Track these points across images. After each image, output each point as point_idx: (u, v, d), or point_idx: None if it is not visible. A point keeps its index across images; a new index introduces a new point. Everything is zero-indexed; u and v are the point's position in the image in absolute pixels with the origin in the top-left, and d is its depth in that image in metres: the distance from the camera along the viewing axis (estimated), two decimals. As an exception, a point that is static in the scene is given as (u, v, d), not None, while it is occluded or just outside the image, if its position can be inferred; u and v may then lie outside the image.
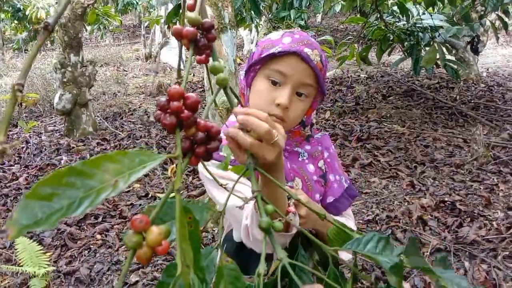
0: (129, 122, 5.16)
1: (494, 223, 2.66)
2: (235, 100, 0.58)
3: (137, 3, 11.71)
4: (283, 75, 0.92)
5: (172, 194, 0.40)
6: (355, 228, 1.04)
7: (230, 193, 0.55)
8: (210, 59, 0.56)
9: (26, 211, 0.32)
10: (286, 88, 0.92)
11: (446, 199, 2.96)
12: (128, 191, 3.33)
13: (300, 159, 1.04)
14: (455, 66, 4.52)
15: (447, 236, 2.54)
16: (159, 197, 3.19)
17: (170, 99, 0.42)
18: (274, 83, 0.93)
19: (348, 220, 1.06)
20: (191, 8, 0.55)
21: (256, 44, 1.01)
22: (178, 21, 3.43)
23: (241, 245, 1.03)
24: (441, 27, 4.50)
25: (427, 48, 4.57)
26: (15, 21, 11.47)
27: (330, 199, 1.05)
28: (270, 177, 0.57)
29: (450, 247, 2.43)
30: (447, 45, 4.73)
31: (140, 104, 6.03)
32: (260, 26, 7.20)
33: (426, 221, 2.71)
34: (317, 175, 1.04)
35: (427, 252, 2.41)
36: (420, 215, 2.76)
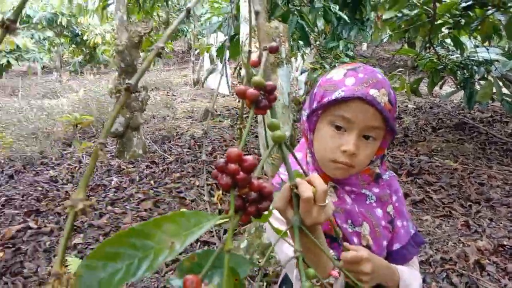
0: (177, 146, 5.27)
1: (559, 272, 2.48)
2: (287, 157, 0.59)
3: (187, 30, 12.14)
4: (348, 121, 0.88)
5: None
6: (420, 279, 1.00)
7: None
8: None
9: (88, 271, 0.33)
10: (352, 133, 0.88)
11: (505, 242, 2.80)
12: (175, 216, 3.37)
13: (367, 202, 0.99)
14: (513, 101, 4.34)
15: (508, 284, 2.39)
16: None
17: (228, 161, 0.44)
18: (338, 128, 0.89)
19: (413, 269, 1.01)
20: (254, 64, 0.58)
21: (319, 84, 0.95)
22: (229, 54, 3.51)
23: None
24: (497, 60, 4.37)
25: (481, 82, 4.44)
26: (73, 45, 12.16)
27: (396, 246, 1.00)
28: (314, 239, 0.56)
29: (511, 296, 2.29)
30: (503, 79, 4.57)
31: (188, 128, 6.17)
32: (306, 54, 7.27)
33: (484, 266, 2.56)
34: (385, 221, 0.99)
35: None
36: (477, 259, 2.62)
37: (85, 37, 10.50)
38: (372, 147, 0.92)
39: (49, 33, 11.12)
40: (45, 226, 3.27)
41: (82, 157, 4.92)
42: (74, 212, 0.32)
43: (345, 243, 0.83)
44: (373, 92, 0.86)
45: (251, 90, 0.51)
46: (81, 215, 0.33)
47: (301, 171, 0.65)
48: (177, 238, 0.37)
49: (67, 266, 2.55)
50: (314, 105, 0.93)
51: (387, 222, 1.00)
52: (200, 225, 0.39)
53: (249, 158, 0.45)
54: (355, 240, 0.96)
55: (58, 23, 10.72)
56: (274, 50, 0.58)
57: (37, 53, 11.20)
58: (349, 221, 0.96)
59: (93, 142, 5.53)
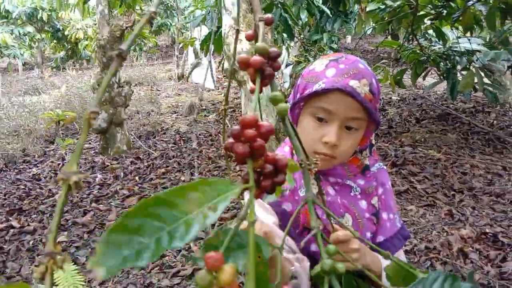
0: (162, 141, 5.23)
1: (540, 258, 2.53)
2: (292, 130, 0.57)
3: (170, 24, 12.02)
4: (329, 112, 0.88)
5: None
6: None
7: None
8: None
9: (111, 248, 0.30)
10: (333, 125, 0.88)
11: (487, 230, 2.85)
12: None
13: (352, 193, 0.98)
14: (495, 90, 4.40)
15: (490, 271, 2.43)
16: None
17: (244, 127, 0.41)
18: (319, 119, 0.89)
19: None
20: (251, 38, 0.54)
21: (302, 75, 0.95)
22: (213, 46, 3.49)
23: None
24: (479, 51, 4.41)
25: (463, 72, 4.48)
26: (54, 41, 11.96)
27: (380, 239, 0.99)
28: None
29: (494, 282, 2.32)
30: (485, 69, 4.62)
31: (173, 123, 6.12)
32: (291, 47, 7.26)
33: (467, 254, 2.60)
34: (369, 213, 0.99)
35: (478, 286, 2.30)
36: (460, 247, 2.66)
37: (66, 32, 10.32)
38: (354, 137, 0.92)
39: (30, 29, 10.91)
40: (28, 225, 3.22)
41: (65, 154, 4.85)
42: (67, 185, 0.30)
43: (335, 225, 0.82)
44: (353, 83, 0.86)
45: (256, 57, 0.48)
46: (74, 188, 0.30)
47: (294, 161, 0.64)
48: (205, 207, 0.35)
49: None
50: (297, 97, 0.93)
51: (371, 214, 0.99)
52: (226, 193, 0.37)
53: (266, 123, 0.42)
54: None
55: (38, 18, 10.52)
56: (269, 21, 0.56)
57: (18, 49, 10.99)
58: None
59: (76, 139, 5.46)
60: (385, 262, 0.93)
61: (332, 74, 0.88)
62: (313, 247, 0.93)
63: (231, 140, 0.43)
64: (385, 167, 1.08)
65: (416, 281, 0.52)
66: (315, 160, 0.59)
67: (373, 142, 1.05)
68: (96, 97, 0.35)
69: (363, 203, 0.99)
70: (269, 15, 0.54)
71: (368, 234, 0.98)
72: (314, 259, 0.90)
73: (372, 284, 0.89)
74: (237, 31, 0.86)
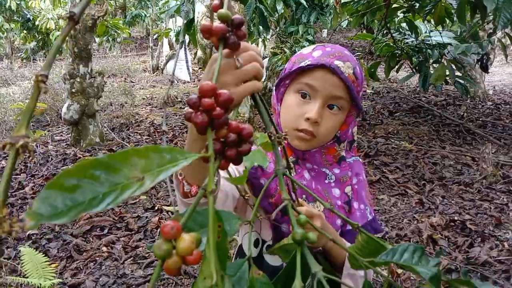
0: (136, 133, 5.16)
1: (505, 243, 2.62)
2: (262, 104, 0.56)
3: (145, 15, 11.84)
4: (312, 88, 0.90)
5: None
6: None
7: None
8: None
9: (47, 202, 0.30)
10: (316, 102, 0.90)
11: (456, 218, 2.93)
12: (134, 202, 3.31)
13: (326, 181, 0.99)
14: (465, 83, 4.51)
15: (458, 256, 2.50)
16: (165, 210, 3.17)
17: (202, 95, 0.40)
18: (303, 96, 0.91)
19: None
20: (217, 8, 0.52)
21: (289, 59, 0.98)
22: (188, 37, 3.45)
23: (254, 260, 1.01)
24: (450, 44, 4.51)
25: (435, 65, 4.57)
26: (24, 31, 11.61)
27: (349, 226, 1.00)
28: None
29: (461, 267, 2.39)
30: (456, 62, 4.73)
31: (147, 115, 6.04)
32: (268, 40, 7.25)
33: (437, 240, 2.67)
34: (341, 201, 0.99)
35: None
36: (430, 234, 2.72)
37: (37, 22, 10.02)
38: (336, 118, 0.93)
39: (-2, 18, 10.55)
40: (-4, 218, 3.13)
41: (36, 146, 4.72)
42: (16, 149, 0.29)
43: (300, 200, 0.83)
44: (337, 62, 0.89)
45: (218, 25, 0.47)
46: (22, 152, 0.29)
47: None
48: (149, 174, 0.33)
49: (20, 256, 2.46)
50: (282, 75, 0.95)
51: (344, 202, 1.00)
52: (176, 162, 0.35)
53: (225, 92, 0.41)
54: None
55: (7, 7, 10.17)
56: None
57: (-15, 39, 10.62)
58: (304, 197, 0.96)
59: (48, 131, 5.33)
60: (349, 246, 0.94)
61: (319, 55, 0.91)
62: (284, 228, 0.94)
63: (189, 110, 0.42)
64: (360, 159, 1.09)
65: (387, 250, 0.52)
66: (285, 135, 0.58)
67: (355, 137, 1.06)
68: (46, 59, 0.33)
69: (337, 191, 1.00)
70: None
71: (339, 222, 0.99)
72: (283, 236, 0.91)
73: (333, 266, 0.90)
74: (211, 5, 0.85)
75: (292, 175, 0.96)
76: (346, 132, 0.99)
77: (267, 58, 6.64)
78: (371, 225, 1.02)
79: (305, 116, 0.90)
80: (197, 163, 0.75)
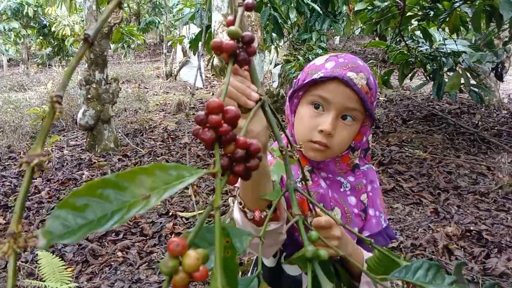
0: (150, 139, 5.21)
1: (523, 255, 2.58)
2: (273, 117, 0.56)
3: (159, 22, 11.96)
4: (326, 100, 0.90)
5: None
6: None
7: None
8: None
9: (58, 221, 0.31)
10: (329, 114, 0.90)
11: (471, 228, 2.90)
12: (149, 208, 3.33)
13: (342, 189, 1.00)
14: (480, 92, 4.47)
15: (474, 267, 2.47)
16: (180, 215, 3.19)
17: (209, 112, 0.40)
18: (317, 107, 0.91)
19: None
20: (231, 24, 0.53)
21: (303, 70, 0.98)
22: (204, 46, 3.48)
23: (274, 270, 1.02)
24: (465, 52, 4.48)
25: (449, 73, 4.55)
26: (41, 37, 11.79)
27: (365, 233, 1.00)
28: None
29: (478, 278, 2.36)
30: (470, 71, 4.70)
31: (161, 121, 6.09)
32: (280, 47, 7.27)
33: (452, 251, 2.65)
34: (358, 209, 1.00)
35: (465, 280, 2.34)
36: (445, 244, 2.70)
37: (53, 29, 10.18)
38: (350, 130, 0.93)
39: (15, 24, 10.74)
40: (13, 221, 3.17)
41: (52, 151, 4.79)
42: (31, 167, 0.30)
43: (318, 210, 0.83)
44: (350, 74, 0.88)
45: (228, 41, 0.48)
46: (38, 170, 0.30)
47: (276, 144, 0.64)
48: (155, 192, 0.34)
49: (38, 260, 2.49)
50: (295, 87, 0.96)
51: (360, 210, 1.01)
52: (182, 179, 0.36)
53: (232, 108, 0.41)
54: None
55: (24, 13, 10.36)
56: (250, 7, 0.54)
57: (2, 45, 10.81)
58: (321, 205, 0.96)
59: (63, 136, 5.40)
60: (368, 256, 0.94)
61: (332, 66, 0.91)
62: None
63: (197, 126, 0.42)
64: (373, 167, 1.09)
65: (400, 267, 0.52)
66: (299, 147, 0.59)
67: (370, 145, 1.06)
68: (62, 80, 0.34)
69: (352, 199, 1.00)
70: (249, 1, 0.53)
71: (356, 229, 0.99)
72: (300, 246, 0.92)
73: (351, 274, 0.90)
74: (206, 28, 0.86)
75: (309, 184, 0.98)
76: (360, 141, 0.99)
77: (280, 65, 6.66)
78: (386, 232, 1.02)
79: (319, 128, 0.90)
80: (253, 189, 0.77)
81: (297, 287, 0.98)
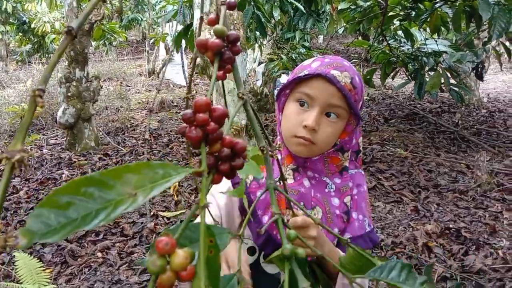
0: (131, 138, 5.15)
1: (500, 252, 2.63)
2: (253, 115, 0.56)
3: (141, 19, 11.83)
4: (310, 97, 0.93)
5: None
6: None
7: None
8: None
9: (40, 220, 0.30)
10: (314, 110, 0.92)
11: (451, 226, 2.94)
12: (130, 208, 3.30)
13: (326, 190, 1.00)
14: (460, 91, 4.54)
15: (452, 264, 2.51)
16: (161, 215, 3.16)
17: (196, 110, 0.40)
18: (302, 104, 0.94)
19: None
20: (213, 23, 0.53)
21: (284, 65, 1.03)
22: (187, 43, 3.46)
23: (252, 268, 1.01)
24: (445, 52, 4.54)
25: (431, 73, 4.60)
26: (20, 34, 11.57)
27: (346, 235, 0.99)
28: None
29: (456, 275, 2.40)
30: (451, 70, 4.76)
31: (143, 120, 6.03)
32: (264, 46, 7.27)
33: (432, 248, 2.68)
34: (340, 210, 1.00)
35: (433, 280, 2.37)
36: (425, 241, 2.73)
37: (33, 25, 9.98)
38: (334, 126, 0.94)
39: (-7, 20, 10.51)
40: (-10, 222, 3.11)
41: (31, 149, 4.70)
42: (11, 163, 0.28)
43: (295, 210, 0.83)
44: (334, 72, 0.91)
45: (214, 40, 0.47)
46: (19, 166, 0.29)
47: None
48: (142, 190, 0.33)
49: (15, 262, 2.44)
50: (282, 86, 0.99)
51: (342, 212, 1.00)
52: (169, 177, 0.35)
53: (219, 107, 0.41)
54: None
55: (2, 9, 10.14)
56: (232, 6, 0.54)
57: (-20, 41, 10.57)
58: (302, 203, 0.96)
59: (43, 135, 5.30)
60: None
61: (317, 65, 0.94)
62: (279, 235, 0.94)
63: (184, 124, 0.42)
64: (362, 171, 1.09)
65: (375, 267, 0.53)
66: (278, 147, 0.59)
67: (361, 148, 1.07)
68: (43, 74, 0.33)
69: (336, 201, 1.00)
70: None
71: (336, 231, 0.99)
72: (279, 246, 0.92)
73: (327, 274, 0.90)
74: (201, 18, 0.85)
75: (290, 182, 0.98)
76: (349, 142, 1.00)
77: (263, 64, 6.66)
78: (369, 236, 1.02)
79: (303, 124, 0.92)
80: None
81: (275, 285, 0.98)
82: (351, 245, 0.59)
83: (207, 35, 2.36)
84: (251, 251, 1.02)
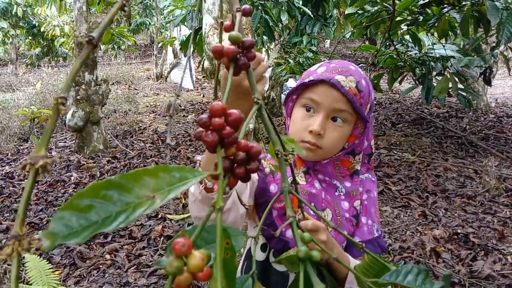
0: (139, 141, 5.18)
1: (508, 257, 2.62)
2: (269, 121, 0.57)
3: (150, 23, 11.92)
4: (315, 102, 0.94)
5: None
6: None
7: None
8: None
9: (62, 222, 0.31)
10: (319, 115, 0.94)
11: (459, 231, 2.93)
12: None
13: (336, 193, 1.01)
14: (468, 96, 4.53)
15: (461, 270, 2.50)
16: (169, 218, 3.18)
17: (212, 115, 0.41)
18: (308, 110, 0.96)
19: None
20: (228, 29, 0.55)
21: (292, 72, 1.05)
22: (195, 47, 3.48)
23: (262, 264, 1.03)
24: (453, 57, 4.53)
25: (438, 78, 4.60)
26: (30, 37, 11.69)
27: (356, 239, 1.01)
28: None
29: (464, 281, 2.39)
30: (459, 75, 4.75)
31: (151, 123, 6.07)
32: (271, 50, 7.29)
33: (440, 253, 2.67)
34: (349, 213, 1.01)
35: None
36: (433, 246, 2.72)
37: (42, 29, 10.10)
38: (341, 131, 0.96)
39: (4, 24, 10.64)
40: (1, 224, 3.14)
41: (40, 152, 4.74)
42: (35, 169, 0.30)
43: (306, 214, 0.84)
44: (338, 77, 0.92)
45: (229, 46, 0.49)
46: (42, 172, 0.30)
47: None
48: (160, 193, 0.35)
49: (24, 263, 2.46)
50: (289, 91, 1.01)
51: (352, 216, 1.01)
52: (185, 180, 0.36)
53: (235, 111, 0.42)
54: None
55: (13, 13, 10.26)
56: (247, 12, 0.56)
57: (-9, 44, 10.69)
58: (312, 204, 0.98)
59: (52, 137, 5.35)
60: (354, 262, 0.96)
61: (322, 71, 0.95)
62: (288, 233, 0.96)
63: (200, 129, 0.43)
64: (372, 177, 1.09)
65: (390, 271, 0.53)
66: (292, 151, 0.60)
67: (373, 150, 1.08)
68: (65, 82, 0.34)
69: (345, 204, 1.02)
70: (246, 6, 0.55)
71: (346, 232, 1.01)
72: (287, 243, 0.95)
73: (336, 277, 0.91)
74: (221, 23, 0.87)
75: (302, 183, 1.00)
76: (360, 144, 1.01)
77: (271, 68, 6.68)
78: (377, 242, 1.03)
79: (309, 129, 0.94)
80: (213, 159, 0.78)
81: (284, 281, 0.99)
82: (366, 250, 0.59)
83: (216, 39, 2.37)
84: (262, 247, 1.04)
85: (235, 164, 0.43)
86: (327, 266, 0.90)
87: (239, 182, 0.49)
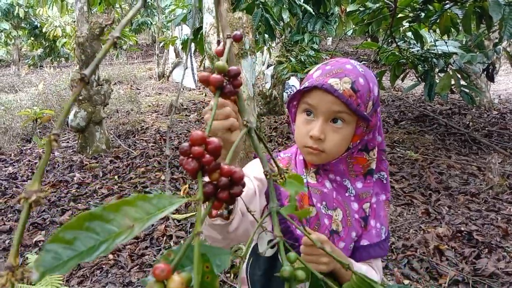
0: (142, 141, 5.19)
1: (512, 255, 2.60)
2: (257, 142, 0.57)
3: (151, 23, 11.92)
4: (313, 107, 0.95)
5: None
6: (377, 279, 1.02)
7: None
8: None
9: (50, 255, 0.33)
10: (318, 120, 0.95)
11: (462, 228, 2.92)
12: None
13: (346, 194, 1.02)
14: (471, 92, 4.51)
15: (464, 268, 2.49)
16: (172, 218, 3.18)
17: (192, 144, 0.43)
18: (308, 114, 0.97)
19: (370, 268, 1.03)
20: (219, 54, 0.57)
21: (294, 70, 1.05)
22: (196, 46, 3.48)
23: (270, 259, 1.04)
24: (455, 53, 4.51)
25: (441, 74, 4.58)
26: (32, 38, 11.72)
27: (364, 242, 1.02)
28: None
29: (468, 279, 2.38)
30: (461, 71, 4.73)
31: (153, 122, 6.07)
32: (273, 48, 7.28)
33: (443, 251, 2.66)
34: (358, 215, 1.02)
35: (445, 283, 2.35)
36: (436, 244, 2.71)
37: (44, 29, 10.12)
38: (342, 132, 0.95)
39: (5, 25, 10.66)
40: (4, 224, 3.15)
41: (43, 153, 4.75)
42: (29, 203, 0.31)
43: (307, 228, 0.85)
44: (331, 81, 0.92)
45: (215, 76, 0.51)
46: (35, 206, 0.32)
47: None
48: (138, 221, 0.36)
49: (27, 263, 2.47)
50: (290, 97, 1.02)
51: (360, 217, 1.02)
52: (163, 208, 0.38)
53: (214, 139, 0.44)
54: (326, 222, 0.98)
55: (14, 14, 10.28)
56: (238, 39, 0.57)
57: (-7, 45, 10.72)
58: (324, 203, 0.99)
59: (54, 138, 5.36)
60: (357, 266, 0.96)
61: (317, 75, 0.95)
62: (298, 231, 0.98)
63: (181, 156, 0.45)
64: (387, 180, 1.07)
65: None
66: (285, 170, 0.60)
67: (385, 147, 1.07)
68: (58, 119, 0.36)
69: (355, 205, 1.02)
70: (237, 32, 0.56)
71: (353, 234, 1.01)
72: (296, 240, 0.98)
73: (341, 284, 0.91)
74: (218, 42, 0.87)
75: (314, 182, 1.01)
76: (372, 140, 1.00)
77: (272, 66, 6.67)
78: (383, 244, 1.04)
79: (309, 134, 0.95)
80: None
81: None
82: (353, 271, 0.59)
83: (216, 39, 2.37)
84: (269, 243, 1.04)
85: (219, 189, 0.45)
86: (335, 277, 0.93)
87: (245, 192, 0.49)
